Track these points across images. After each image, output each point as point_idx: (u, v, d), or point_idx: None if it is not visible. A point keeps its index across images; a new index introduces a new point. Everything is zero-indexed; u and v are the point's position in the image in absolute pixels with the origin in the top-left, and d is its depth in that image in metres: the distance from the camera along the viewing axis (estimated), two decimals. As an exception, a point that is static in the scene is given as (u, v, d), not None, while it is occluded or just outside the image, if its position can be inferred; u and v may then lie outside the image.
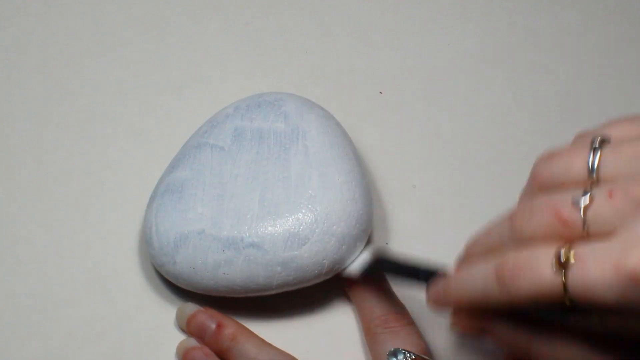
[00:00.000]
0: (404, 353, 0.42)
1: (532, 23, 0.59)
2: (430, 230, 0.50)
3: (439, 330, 0.46)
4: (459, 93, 0.56)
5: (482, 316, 0.38)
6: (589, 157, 0.33)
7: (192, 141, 0.48)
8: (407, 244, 0.49)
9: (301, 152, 0.47)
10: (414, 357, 0.42)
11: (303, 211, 0.45)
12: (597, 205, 0.32)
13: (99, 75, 0.55)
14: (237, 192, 0.46)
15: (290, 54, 0.57)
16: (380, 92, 0.55)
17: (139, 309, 0.47)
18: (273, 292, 0.45)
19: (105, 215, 0.50)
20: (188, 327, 0.45)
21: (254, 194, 0.45)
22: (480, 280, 0.35)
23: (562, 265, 0.32)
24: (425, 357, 0.43)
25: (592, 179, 0.33)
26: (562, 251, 0.32)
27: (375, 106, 0.55)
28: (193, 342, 0.45)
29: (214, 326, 0.45)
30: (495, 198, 0.51)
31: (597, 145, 0.34)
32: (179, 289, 0.46)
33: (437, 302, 0.39)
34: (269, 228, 0.44)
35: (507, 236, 0.35)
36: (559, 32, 0.59)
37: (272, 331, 0.46)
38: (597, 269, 0.31)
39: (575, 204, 0.33)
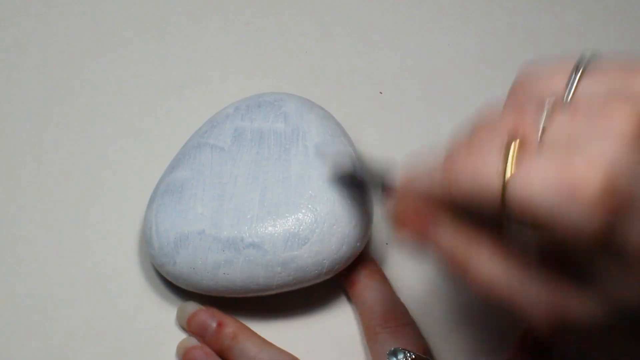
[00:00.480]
0: (404, 352, 0.42)
1: (532, 23, 0.59)
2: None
3: (439, 330, 0.46)
4: (459, 93, 0.56)
5: (426, 219, 0.36)
6: (571, 74, 0.33)
7: (192, 141, 0.49)
8: (407, 244, 0.49)
9: (301, 153, 0.47)
10: (414, 356, 0.42)
11: (303, 211, 0.45)
12: (560, 120, 0.32)
13: (99, 75, 0.55)
14: (237, 192, 0.46)
15: (290, 54, 0.57)
16: (380, 92, 0.55)
17: (139, 309, 0.47)
18: (273, 292, 0.45)
19: (105, 215, 0.50)
20: (189, 326, 0.45)
21: (254, 194, 0.45)
22: (425, 177, 0.35)
23: (510, 156, 0.31)
24: (425, 356, 0.43)
25: (569, 97, 0.33)
26: (514, 143, 0.31)
27: (375, 106, 0.55)
28: (193, 341, 0.45)
29: (214, 325, 0.45)
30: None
31: (581, 64, 0.33)
32: (179, 289, 0.46)
33: (400, 221, 0.37)
34: (269, 228, 0.44)
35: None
36: (559, 32, 0.59)
37: (272, 331, 0.46)
38: (542, 171, 0.30)
39: (539, 112, 0.32)
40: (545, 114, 0.32)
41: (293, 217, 0.45)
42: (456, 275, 0.35)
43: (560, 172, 0.30)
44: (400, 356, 0.42)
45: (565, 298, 0.33)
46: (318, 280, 0.45)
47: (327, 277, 0.45)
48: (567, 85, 0.33)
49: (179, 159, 0.48)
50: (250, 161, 0.47)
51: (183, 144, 0.49)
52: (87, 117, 0.54)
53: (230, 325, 0.45)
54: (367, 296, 0.46)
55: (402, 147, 0.53)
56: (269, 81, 0.55)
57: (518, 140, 0.32)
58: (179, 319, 0.46)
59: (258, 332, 0.46)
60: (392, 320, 0.44)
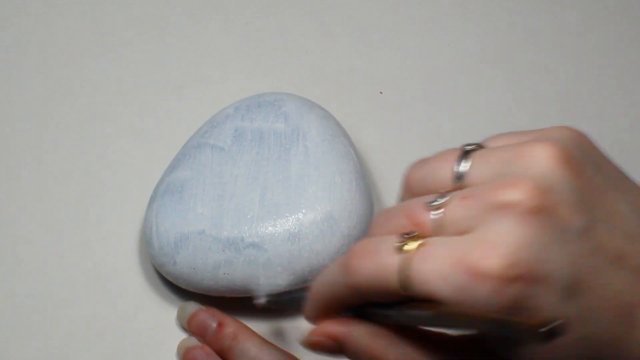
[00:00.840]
0: None
1: (532, 23, 0.59)
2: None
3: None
4: (459, 93, 0.56)
5: (338, 321, 0.35)
6: (456, 163, 0.33)
7: (192, 141, 0.48)
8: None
9: (301, 153, 0.47)
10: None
11: (303, 211, 0.45)
12: (450, 208, 0.32)
13: (99, 75, 0.55)
14: (237, 192, 0.46)
15: (290, 54, 0.57)
16: (381, 92, 0.55)
17: (139, 309, 0.47)
18: (273, 292, 0.45)
19: (105, 215, 0.50)
20: (189, 325, 0.45)
21: (254, 194, 0.45)
22: (328, 276, 0.34)
23: (405, 252, 0.31)
24: None
25: (459, 185, 0.32)
26: (408, 237, 0.31)
27: (375, 106, 0.55)
28: (194, 341, 0.45)
29: (214, 325, 0.45)
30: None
31: (466, 151, 0.33)
32: (179, 289, 0.46)
33: (311, 318, 0.36)
34: (269, 228, 0.44)
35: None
36: (559, 32, 0.59)
37: (272, 331, 0.46)
38: (439, 257, 0.30)
39: (429, 205, 0.32)
40: (435, 203, 0.32)
41: (293, 217, 0.44)
42: None
43: (459, 256, 0.30)
44: None
45: None
46: (318, 280, 0.45)
47: (327, 277, 0.45)
48: (453, 174, 0.33)
49: (179, 159, 0.48)
50: (250, 161, 0.47)
51: (183, 144, 0.49)
52: (87, 117, 0.54)
53: (231, 325, 0.45)
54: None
55: (402, 147, 0.53)
56: (269, 81, 0.55)
57: (414, 234, 0.32)
58: (179, 318, 0.46)
59: (258, 332, 0.46)
60: None
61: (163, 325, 0.46)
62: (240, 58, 0.57)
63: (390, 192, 0.51)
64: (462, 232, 0.31)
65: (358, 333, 0.34)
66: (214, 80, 0.56)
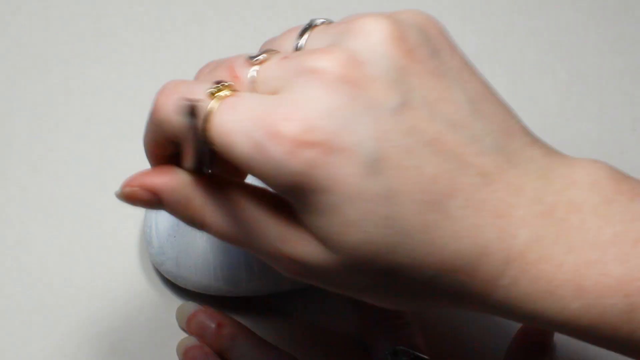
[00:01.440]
0: (404, 352, 0.42)
1: (532, 23, 0.59)
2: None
3: (438, 330, 0.46)
4: (459, 93, 0.56)
5: (158, 170, 0.35)
6: (297, 35, 0.34)
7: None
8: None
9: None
10: (413, 356, 0.42)
11: (303, 211, 0.45)
12: (268, 65, 0.32)
13: (99, 75, 0.55)
14: (237, 192, 0.46)
15: (290, 54, 0.57)
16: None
17: (139, 309, 0.47)
18: (273, 292, 0.45)
19: (105, 215, 0.50)
20: (188, 326, 0.45)
21: (254, 193, 0.45)
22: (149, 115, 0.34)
23: (213, 95, 0.31)
24: (425, 356, 0.43)
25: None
26: (220, 85, 0.31)
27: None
28: (193, 340, 0.45)
29: (214, 325, 0.45)
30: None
31: (310, 25, 0.34)
32: (179, 288, 0.46)
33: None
34: (269, 228, 0.44)
35: None
36: (559, 32, 0.59)
37: (272, 331, 0.46)
38: (244, 111, 0.30)
39: (250, 61, 0.32)
40: (257, 59, 0.32)
41: (293, 217, 0.44)
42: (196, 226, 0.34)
43: (261, 112, 0.30)
44: (401, 356, 0.42)
45: (295, 245, 0.32)
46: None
47: (327, 277, 0.45)
48: (293, 47, 0.33)
49: (179, 158, 0.48)
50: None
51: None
52: (87, 117, 0.54)
53: (230, 325, 0.45)
54: None
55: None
56: (269, 81, 0.55)
57: (228, 84, 0.32)
58: (178, 319, 0.46)
59: (258, 333, 0.46)
60: (392, 320, 0.44)
61: (163, 325, 0.46)
62: (240, 58, 0.57)
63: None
64: (272, 92, 0.31)
65: (176, 183, 0.34)
66: (214, 80, 0.55)
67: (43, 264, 0.48)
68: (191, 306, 0.46)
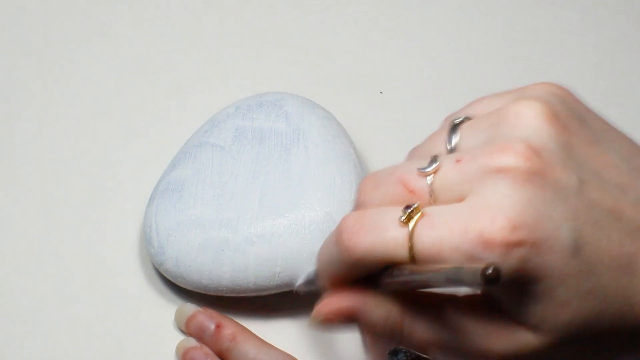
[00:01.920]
0: (404, 352, 0.42)
1: (532, 23, 0.59)
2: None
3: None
4: (459, 93, 0.56)
5: (347, 295, 0.35)
6: (447, 137, 0.33)
7: (193, 140, 0.49)
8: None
9: (301, 153, 0.47)
10: (414, 355, 0.42)
11: (303, 211, 0.45)
12: (444, 173, 0.32)
13: (99, 75, 0.55)
14: (237, 191, 0.46)
15: (290, 54, 0.57)
16: (381, 92, 0.55)
17: (139, 309, 0.47)
18: (273, 292, 0.45)
19: (105, 215, 0.50)
20: (187, 327, 0.45)
21: (254, 193, 0.45)
22: (327, 251, 0.34)
23: (409, 221, 0.31)
24: (426, 356, 0.43)
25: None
26: (410, 210, 0.31)
27: (375, 106, 0.55)
28: (192, 341, 0.45)
29: (213, 327, 0.45)
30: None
31: (456, 124, 0.33)
32: (178, 288, 0.46)
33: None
34: (269, 228, 0.44)
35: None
36: (559, 32, 0.59)
37: (272, 331, 0.46)
38: (445, 228, 0.30)
39: (422, 172, 0.32)
40: (429, 169, 0.32)
41: (292, 217, 0.44)
42: (388, 341, 0.35)
43: (464, 225, 0.30)
44: (401, 355, 0.42)
45: (508, 341, 0.33)
46: (318, 280, 0.45)
47: (327, 277, 0.45)
48: (445, 143, 0.33)
49: (179, 157, 0.48)
50: (250, 161, 0.47)
51: (184, 143, 0.49)
52: (87, 117, 0.54)
53: (229, 326, 0.45)
54: None
55: (403, 147, 0.53)
56: (269, 81, 0.55)
57: (415, 206, 0.31)
58: (177, 321, 0.46)
59: (258, 333, 0.46)
60: None
61: (163, 325, 0.46)
62: (241, 58, 0.57)
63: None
64: (458, 198, 0.31)
65: (371, 302, 0.34)
66: (214, 79, 0.56)
67: (43, 264, 0.48)
68: (190, 307, 0.46)
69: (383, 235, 0.32)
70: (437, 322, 0.34)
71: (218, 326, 0.45)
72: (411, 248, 0.31)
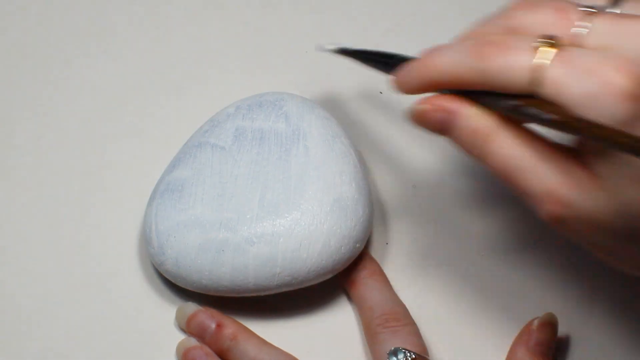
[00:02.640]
0: (404, 352, 0.42)
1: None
2: (430, 230, 0.50)
3: (439, 331, 0.46)
4: (459, 93, 0.56)
5: (450, 97, 0.37)
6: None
7: (193, 140, 0.48)
8: (407, 243, 0.49)
9: (301, 153, 0.47)
10: (414, 356, 0.42)
11: (303, 211, 0.45)
12: (602, 21, 0.33)
13: (99, 75, 0.55)
14: (237, 192, 0.46)
15: (290, 54, 0.57)
16: (381, 92, 0.55)
17: (139, 309, 0.47)
18: (273, 292, 0.45)
19: (105, 215, 0.50)
20: (188, 327, 0.45)
21: (254, 194, 0.45)
22: (454, 54, 0.35)
23: (543, 52, 0.32)
24: (426, 356, 0.43)
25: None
26: (549, 42, 0.33)
27: (375, 106, 0.55)
28: (193, 341, 0.45)
29: (214, 326, 0.45)
30: (495, 198, 0.51)
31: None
32: (178, 288, 0.46)
33: (405, 82, 0.38)
34: (269, 228, 0.44)
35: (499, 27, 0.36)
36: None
37: (272, 331, 0.46)
38: (575, 66, 0.32)
39: (584, 10, 0.34)
40: (591, 9, 0.34)
41: (292, 217, 0.44)
42: (473, 155, 0.36)
43: (595, 65, 0.31)
44: (401, 356, 0.42)
45: (573, 185, 0.33)
46: (318, 281, 0.45)
47: (327, 277, 0.45)
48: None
49: (179, 158, 0.48)
50: (250, 161, 0.47)
51: (183, 143, 0.49)
52: (87, 117, 0.53)
53: (230, 326, 0.45)
54: (368, 296, 0.46)
55: (403, 147, 0.53)
56: (269, 81, 0.55)
57: (554, 41, 0.33)
58: (177, 320, 0.46)
59: (258, 333, 0.46)
60: (392, 321, 0.44)
61: (163, 325, 0.46)
62: (240, 58, 0.57)
63: (390, 193, 0.51)
64: (602, 48, 0.32)
65: (470, 111, 0.35)
66: (214, 80, 0.56)
67: (43, 264, 0.48)
68: (191, 306, 0.46)
69: (516, 53, 0.33)
70: (521, 147, 0.35)
71: (219, 325, 0.45)
72: (536, 74, 0.32)
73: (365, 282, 0.46)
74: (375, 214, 0.48)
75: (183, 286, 0.46)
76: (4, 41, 0.56)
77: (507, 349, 0.45)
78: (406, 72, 0.38)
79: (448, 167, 0.53)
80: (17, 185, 0.51)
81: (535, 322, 0.45)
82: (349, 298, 0.47)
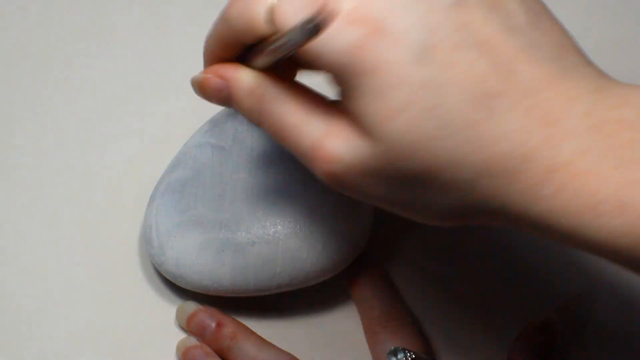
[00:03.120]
0: (404, 352, 0.42)
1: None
2: (431, 230, 0.50)
3: (440, 330, 0.46)
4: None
5: (228, 65, 0.37)
6: None
7: (193, 140, 0.49)
8: (407, 244, 0.49)
9: (301, 152, 0.47)
10: (414, 356, 0.42)
11: (303, 211, 0.45)
12: None
13: (99, 75, 0.55)
14: (237, 192, 0.46)
15: (290, 54, 0.57)
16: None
17: (139, 309, 0.47)
18: (273, 292, 0.45)
19: (105, 215, 0.50)
20: (188, 325, 0.45)
21: (254, 194, 0.45)
22: (214, 23, 0.37)
23: None
24: (426, 356, 0.43)
25: None
26: None
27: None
28: (193, 340, 0.45)
29: (214, 325, 0.45)
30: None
31: None
32: (178, 288, 0.46)
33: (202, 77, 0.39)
34: (269, 228, 0.44)
35: None
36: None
37: (272, 331, 0.46)
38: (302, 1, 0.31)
39: None
40: None
41: (293, 217, 0.44)
42: (254, 120, 0.36)
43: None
44: (401, 355, 0.42)
45: (339, 137, 0.33)
46: (318, 281, 0.45)
47: (327, 277, 0.45)
48: None
49: (179, 158, 0.48)
50: (250, 161, 0.47)
51: (183, 144, 0.49)
52: (87, 117, 0.54)
53: (230, 325, 0.45)
54: (369, 295, 0.46)
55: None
56: (269, 81, 0.55)
57: None
58: (178, 319, 0.46)
59: (258, 333, 0.46)
60: (393, 320, 0.44)
61: (163, 325, 0.46)
62: (240, 58, 0.57)
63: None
64: None
65: (243, 74, 0.36)
66: (214, 80, 0.55)
67: (43, 264, 0.48)
68: (192, 305, 0.46)
69: (249, 3, 0.33)
70: (285, 108, 0.34)
71: (219, 324, 0.45)
72: (268, 15, 0.32)
73: (366, 281, 0.46)
74: (375, 214, 0.48)
75: (183, 286, 0.46)
76: (4, 41, 0.56)
77: (508, 347, 0.45)
78: (205, 64, 0.39)
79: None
80: (17, 185, 0.51)
81: (535, 324, 0.45)
82: (350, 297, 0.47)
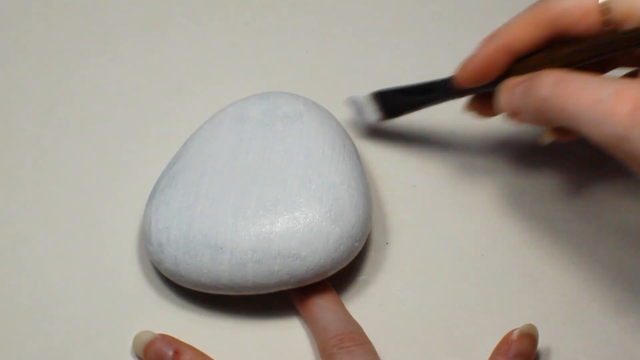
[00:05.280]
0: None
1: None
2: (430, 230, 0.50)
3: (438, 331, 0.46)
4: (459, 93, 0.56)
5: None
6: None
7: (192, 140, 0.49)
8: (407, 244, 0.49)
9: (301, 153, 0.47)
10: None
11: (302, 210, 0.45)
12: None
13: (99, 75, 0.55)
14: (237, 190, 0.46)
15: (290, 54, 0.57)
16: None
17: (137, 308, 0.47)
18: (272, 290, 0.45)
19: (105, 215, 0.50)
20: (145, 355, 0.44)
21: (253, 192, 0.45)
22: (513, 19, 0.44)
23: None
24: None
25: None
26: None
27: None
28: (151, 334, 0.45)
29: (171, 353, 0.44)
30: (495, 198, 0.51)
31: None
32: (178, 286, 0.46)
33: (468, 74, 0.46)
34: (268, 226, 0.44)
35: None
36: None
37: (271, 331, 0.46)
38: None
39: None
40: None
41: (292, 215, 0.44)
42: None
43: None
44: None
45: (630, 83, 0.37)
46: (316, 280, 0.45)
47: (326, 276, 0.45)
48: None
49: (179, 156, 0.48)
50: (250, 159, 0.47)
51: (183, 142, 0.49)
52: (87, 117, 0.54)
53: (187, 352, 0.44)
54: (321, 317, 0.45)
55: (403, 147, 0.53)
56: (269, 81, 0.55)
57: None
58: (134, 348, 0.45)
59: (257, 332, 0.46)
60: (347, 341, 0.43)
61: (161, 323, 0.46)
62: (240, 58, 0.57)
63: (390, 193, 0.51)
64: None
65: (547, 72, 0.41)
66: (214, 80, 0.56)
67: (42, 263, 0.48)
68: (148, 334, 0.45)
69: None
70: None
71: (176, 352, 0.44)
72: (607, 11, 0.39)
73: (317, 304, 0.45)
74: (375, 213, 0.48)
75: (182, 284, 0.46)
76: (4, 41, 0.56)
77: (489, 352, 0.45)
78: (471, 59, 0.46)
79: (448, 167, 0.53)
80: (16, 184, 0.51)
81: (515, 333, 0.44)
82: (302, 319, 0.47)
